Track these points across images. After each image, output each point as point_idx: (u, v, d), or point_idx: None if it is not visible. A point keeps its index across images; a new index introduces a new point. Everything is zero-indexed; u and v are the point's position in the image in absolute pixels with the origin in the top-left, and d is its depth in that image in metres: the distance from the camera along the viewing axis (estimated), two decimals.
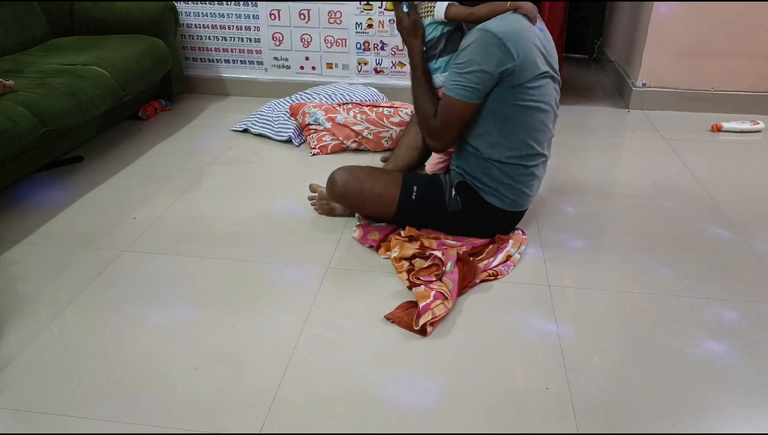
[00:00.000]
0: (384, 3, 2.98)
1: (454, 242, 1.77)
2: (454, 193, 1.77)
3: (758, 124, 2.77)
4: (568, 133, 2.79)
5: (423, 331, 1.43)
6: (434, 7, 1.67)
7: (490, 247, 1.76)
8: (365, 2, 2.99)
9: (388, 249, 1.76)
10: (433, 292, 1.52)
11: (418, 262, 1.66)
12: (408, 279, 1.61)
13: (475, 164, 1.73)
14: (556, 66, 1.69)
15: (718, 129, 2.78)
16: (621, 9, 3.56)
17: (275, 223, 1.97)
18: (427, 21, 1.72)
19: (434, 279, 1.58)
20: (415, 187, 1.78)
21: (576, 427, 1.19)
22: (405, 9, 1.72)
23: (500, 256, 1.72)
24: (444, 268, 1.59)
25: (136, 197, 2.14)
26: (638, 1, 3.12)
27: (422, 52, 1.72)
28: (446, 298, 1.51)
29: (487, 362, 1.36)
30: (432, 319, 1.44)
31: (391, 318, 1.49)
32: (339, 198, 1.86)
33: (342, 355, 1.38)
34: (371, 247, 1.80)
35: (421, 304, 1.48)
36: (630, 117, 3.01)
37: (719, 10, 2.81)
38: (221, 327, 1.47)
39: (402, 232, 1.80)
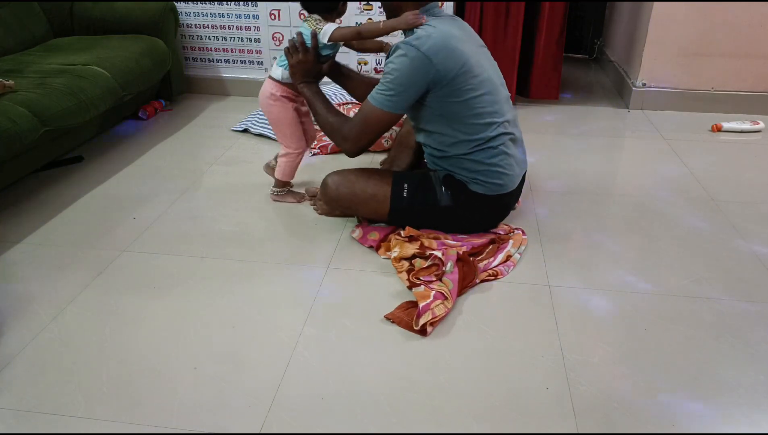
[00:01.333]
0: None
1: (454, 242, 1.77)
2: (444, 188, 1.78)
3: (758, 124, 2.77)
4: (568, 133, 2.80)
5: (423, 331, 1.44)
6: (321, 27, 1.77)
7: (490, 247, 1.77)
8: (365, 2, 2.99)
9: (388, 249, 1.76)
10: (433, 292, 1.52)
11: (418, 262, 1.66)
12: (408, 279, 1.61)
13: (448, 163, 1.77)
14: (479, 41, 1.77)
15: (718, 129, 2.78)
16: (621, 9, 3.57)
17: (275, 223, 1.97)
18: (308, 30, 1.79)
19: (434, 279, 1.58)
20: (405, 185, 1.79)
21: (576, 427, 1.19)
22: (308, 43, 1.78)
23: (500, 256, 1.72)
24: (444, 268, 1.59)
25: (136, 197, 2.14)
26: (638, 1, 3.12)
27: (316, 83, 1.84)
28: (446, 298, 1.51)
29: (487, 362, 1.36)
30: (432, 319, 1.44)
31: (391, 318, 1.49)
32: (332, 201, 1.86)
33: (342, 355, 1.38)
34: (371, 247, 1.80)
35: (421, 304, 1.48)
36: (630, 117, 3.01)
37: (719, 10, 2.81)
38: (221, 327, 1.47)
39: (402, 232, 1.80)
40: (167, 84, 3.07)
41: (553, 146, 2.63)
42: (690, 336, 1.44)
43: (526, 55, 3.08)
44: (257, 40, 3.17)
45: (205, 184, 2.26)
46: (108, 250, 1.80)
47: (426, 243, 1.73)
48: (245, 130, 2.77)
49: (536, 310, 1.54)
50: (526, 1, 2.90)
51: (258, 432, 1.18)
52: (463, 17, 3.00)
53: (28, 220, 1.98)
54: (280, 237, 1.89)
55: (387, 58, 1.68)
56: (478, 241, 1.78)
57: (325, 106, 1.80)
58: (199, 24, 3.18)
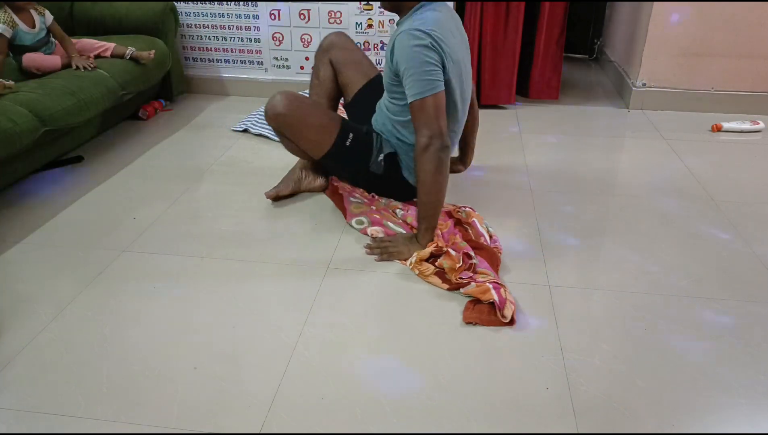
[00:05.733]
0: None
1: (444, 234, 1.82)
2: (381, 158, 1.86)
3: (758, 124, 2.77)
4: (568, 133, 2.80)
5: (512, 321, 1.48)
6: None
7: (468, 231, 1.85)
8: (365, 2, 2.99)
9: None
10: (490, 285, 1.54)
11: (445, 263, 1.65)
12: (449, 281, 1.61)
13: (401, 147, 1.89)
14: (467, 43, 1.84)
15: (718, 129, 2.78)
16: (621, 9, 3.57)
17: (275, 223, 1.97)
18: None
19: (473, 274, 1.62)
20: (351, 135, 1.87)
21: (576, 427, 1.19)
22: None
23: (486, 235, 1.82)
24: (473, 261, 1.65)
25: (136, 197, 2.14)
26: (638, 1, 3.12)
27: (427, 232, 1.72)
28: (503, 285, 1.56)
29: (487, 362, 1.36)
30: (514, 308, 1.50)
31: (472, 321, 1.48)
32: (279, 117, 1.83)
33: (342, 355, 1.38)
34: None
35: (496, 298, 1.49)
36: (630, 117, 3.01)
37: (719, 10, 2.81)
38: (221, 327, 1.47)
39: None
40: (167, 84, 3.07)
41: (553, 146, 2.63)
42: (690, 336, 1.44)
43: (526, 55, 3.08)
44: (257, 40, 3.17)
45: (205, 184, 2.26)
46: (108, 250, 1.80)
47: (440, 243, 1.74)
48: (245, 130, 2.77)
49: (536, 310, 1.54)
50: (526, 1, 2.90)
51: (258, 432, 1.18)
52: (463, 17, 2.99)
53: (28, 220, 1.98)
54: (280, 237, 1.89)
55: (390, 52, 1.69)
56: (444, 226, 1.85)
57: (430, 204, 1.70)
58: (199, 24, 3.18)
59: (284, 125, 1.86)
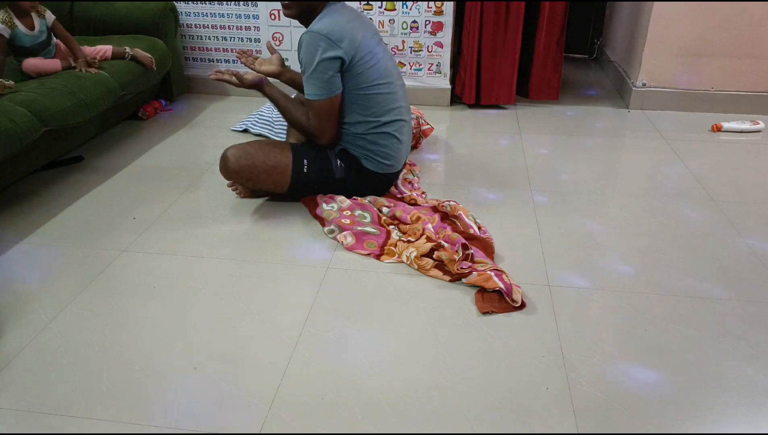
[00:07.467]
0: (384, 3, 2.98)
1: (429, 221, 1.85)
2: (339, 161, 1.96)
3: (758, 124, 2.77)
4: (569, 133, 2.80)
5: (523, 305, 1.53)
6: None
7: (456, 223, 1.87)
8: (365, 2, 2.99)
9: (393, 254, 1.76)
10: (492, 272, 1.57)
11: (444, 255, 1.67)
12: (449, 272, 1.64)
13: (348, 139, 1.96)
14: (377, 33, 1.96)
15: (718, 129, 2.78)
16: (621, 9, 3.57)
17: (275, 223, 1.97)
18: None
19: (471, 263, 1.64)
20: (305, 161, 1.94)
21: (576, 427, 1.19)
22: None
23: (474, 227, 1.86)
24: (470, 251, 1.67)
25: (136, 197, 2.14)
26: (638, 1, 3.12)
27: (275, 87, 1.96)
28: (503, 271, 1.59)
29: (487, 362, 1.36)
30: (521, 291, 1.55)
31: (489, 310, 1.51)
32: (233, 174, 1.94)
33: (342, 355, 1.38)
34: (369, 255, 1.78)
35: (501, 285, 1.53)
36: (630, 117, 3.01)
37: (719, 10, 2.81)
38: (221, 327, 1.48)
39: (399, 235, 1.82)
40: (167, 84, 3.07)
41: (553, 146, 2.64)
42: (690, 336, 1.44)
43: (526, 55, 3.08)
44: (257, 40, 3.17)
45: (205, 184, 2.26)
46: (108, 250, 1.80)
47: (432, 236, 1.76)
48: (245, 130, 2.77)
49: (536, 310, 1.54)
50: (526, 1, 2.90)
51: (258, 432, 1.18)
52: (462, 17, 3.00)
53: (28, 220, 1.98)
54: (280, 237, 1.89)
55: (298, 52, 1.84)
56: (434, 215, 1.91)
57: (289, 103, 1.93)
58: (199, 24, 3.18)
59: (240, 179, 1.97)
